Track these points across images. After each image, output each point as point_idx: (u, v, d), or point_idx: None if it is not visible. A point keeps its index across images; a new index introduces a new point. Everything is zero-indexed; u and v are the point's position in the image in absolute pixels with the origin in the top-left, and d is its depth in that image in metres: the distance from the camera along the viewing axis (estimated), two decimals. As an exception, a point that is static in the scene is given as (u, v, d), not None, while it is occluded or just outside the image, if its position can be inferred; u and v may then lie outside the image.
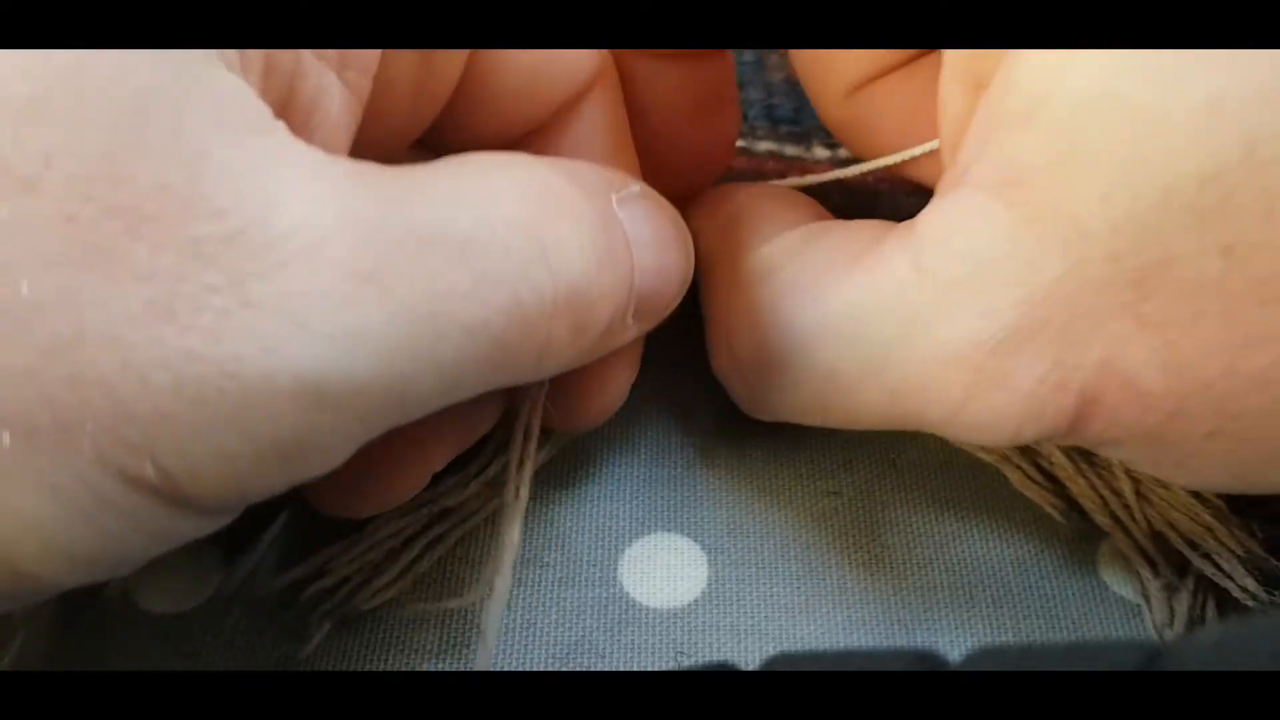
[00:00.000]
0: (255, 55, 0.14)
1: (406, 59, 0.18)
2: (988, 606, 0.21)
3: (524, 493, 0.20)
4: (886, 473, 0.23)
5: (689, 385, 0.25)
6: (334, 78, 0.16)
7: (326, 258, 0.13)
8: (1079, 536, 0.22)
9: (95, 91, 0.12)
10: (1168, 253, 0.15)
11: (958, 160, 0.18)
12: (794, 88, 0.32)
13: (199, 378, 0.12)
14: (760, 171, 0.28)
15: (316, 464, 0.15)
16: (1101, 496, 0.22)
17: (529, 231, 0.16)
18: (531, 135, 0.21)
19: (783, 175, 0.28)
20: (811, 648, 0.20)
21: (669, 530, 0.22)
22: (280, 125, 0.14)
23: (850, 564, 0.22)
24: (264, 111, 0.14)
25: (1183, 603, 0.21)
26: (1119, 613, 0.21)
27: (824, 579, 0.22)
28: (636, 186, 0.20)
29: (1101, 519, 0.22)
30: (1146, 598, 0.21)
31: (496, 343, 0.16)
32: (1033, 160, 0.16)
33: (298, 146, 0.14)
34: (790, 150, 0.29)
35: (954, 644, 0.21)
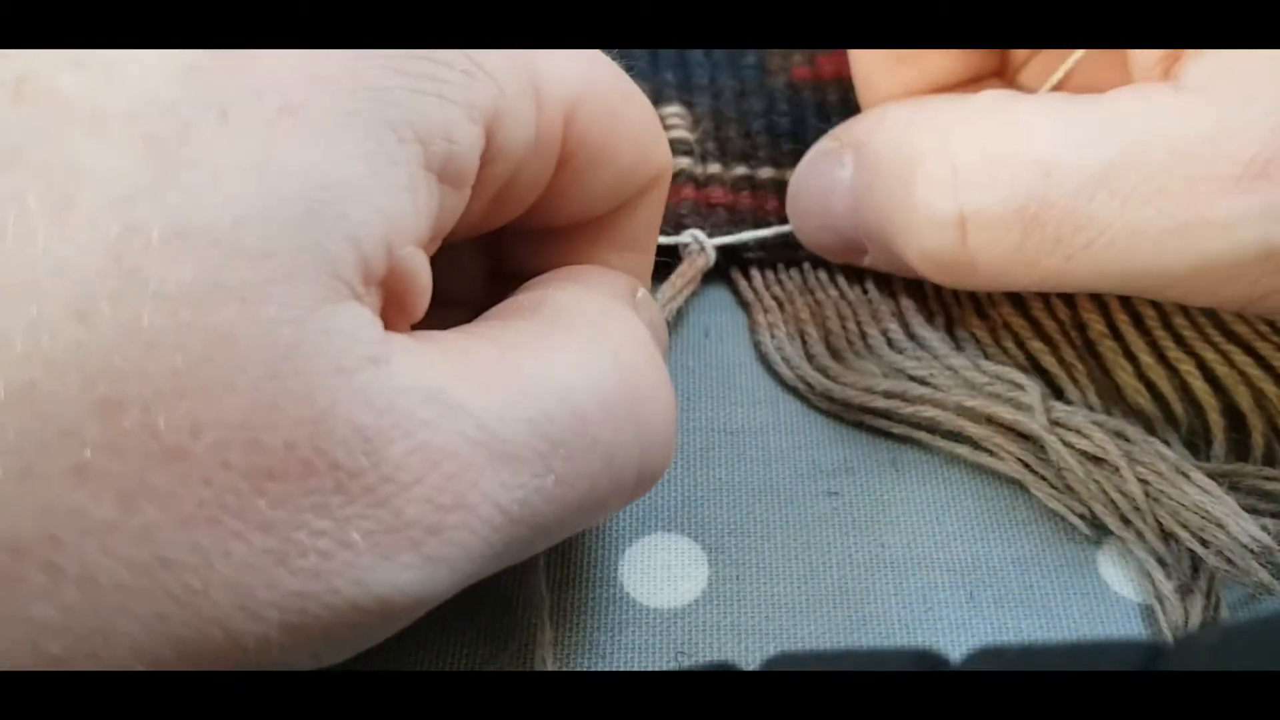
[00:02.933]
0: (376, 267, 0.15)
1: (482, 202, 0.18)
2: (988, 606, 0.21)
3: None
4: (887, 472, 0.23)
5: (689, 384, 0.25)
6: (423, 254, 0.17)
7: (416, 495, 0.14)
8: (1079, 536, 0.22)
9: (237, 362, 0.13)
10: None
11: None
12: (796, 93, 0.31)
13: (301, 611, 0.14)
14: (763, 209, 0.28)
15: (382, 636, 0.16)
16: (1112, 499, 0.22)
17: (623, 419, 0.17)
18: (591, 222, 0.21)
19: (781, 214, 0.28)
20: (812, 647, 0.20)
21: (669, 530, 0.22)
22: (394, 345, 0.15)
23: (851, 564, 0.22)
24: (379, 341, 0.15)
25: (1196, 604, 0.21)
26: (1120, 612, 0.21)
27: (824, 579, 0.22)
28: (641, 291, 0.21)
29: (1112, 522, 0.22)
30: (1160, 599, 0.21)
31: (566, 529, 0.17)
32: None
33: (407, 367, 0.15)
34: (790, 175, 0.29)
35: (955, 644, 0.21)
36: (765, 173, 0.29)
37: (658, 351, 0.19)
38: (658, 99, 0.31)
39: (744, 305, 0.27)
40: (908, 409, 0.24)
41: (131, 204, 0.13)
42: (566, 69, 0.18)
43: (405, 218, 0.15)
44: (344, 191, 0.14)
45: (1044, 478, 0.23)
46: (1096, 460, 0.22)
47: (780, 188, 0.28)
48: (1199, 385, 0.24)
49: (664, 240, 0.26)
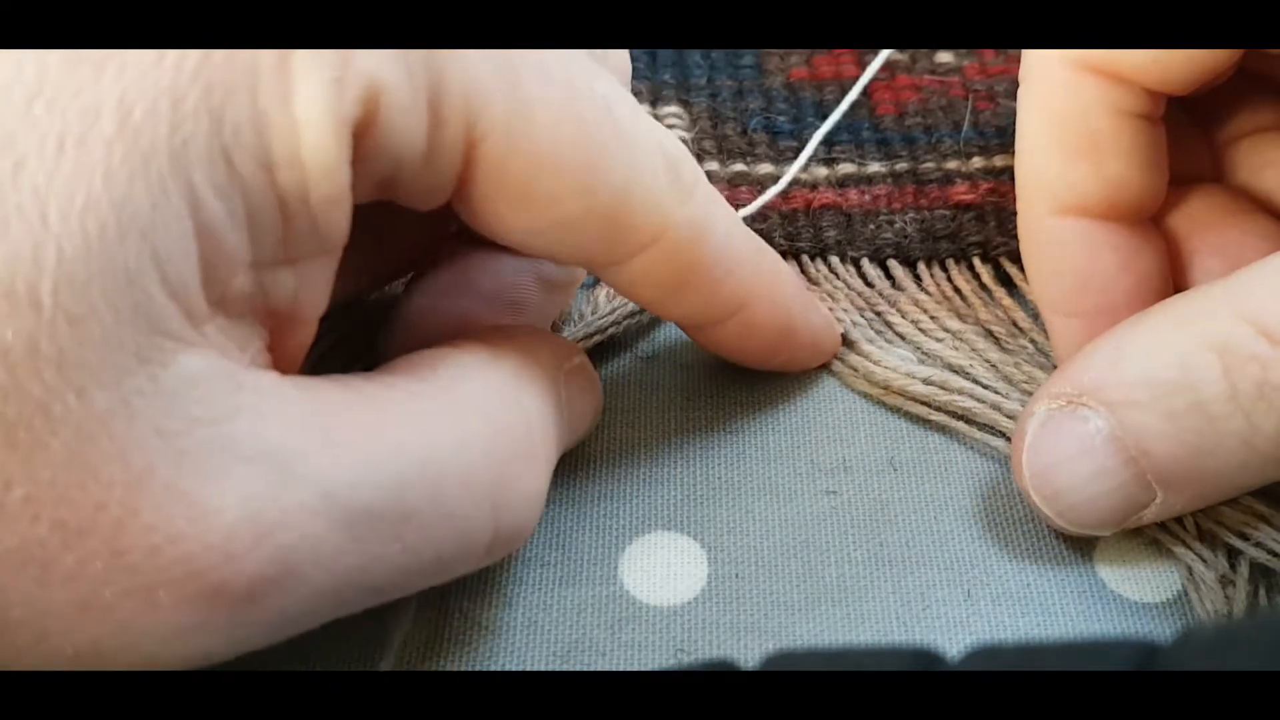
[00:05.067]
0: (199, 304, 0.15)
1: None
2: (985, 604, 0.21)
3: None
4: (885, 471, 0.23)
5: (689, 384, 0.25)
6: (291, 273, 0.16)
7: (240, 568, 0.14)
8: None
9: (47, 424, 0.13)
10: None
11: None
12: (794, 94, 0.31)
13: (99, 656, 0.14)
14: (763, 208, 0.28)
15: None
16: None
17: (483, 494, 0.17)
18: None
19: (778, 209, 0.28)
20: (810, 645, 0.21)
21: (669, 529, 0.22)
22: (242, 400, 0.15)
23: (849, 562, 0.22)
24: (218, 398, 0.15)
25: (1239, 593, 0.21)
26: (1116, 611, 0.21)
27: (823, 577, 0.22)
28: (578, 358, 0.21)
29: (1150, 529, 0.22)
30: (1197, 585, 0.21)
31: (404, 590, 0.17)
32: None
33: (255, 427, 0.15)
34: (787, 170, 0.29)
35: (952, 642, 0.21)
36: (763, 169, 0.29)
37: (548, 429, 0.19)
38: (656, 100, 0.31)
39: None
40: (945, 397, 0.24)
41: None
42: (480, 74, 0.16)
43: (221, 240, 0.15)
44: (141, 231, 0.14)
45: None
46: None
47: (775, 183, 0.28)
48: None
49: None
